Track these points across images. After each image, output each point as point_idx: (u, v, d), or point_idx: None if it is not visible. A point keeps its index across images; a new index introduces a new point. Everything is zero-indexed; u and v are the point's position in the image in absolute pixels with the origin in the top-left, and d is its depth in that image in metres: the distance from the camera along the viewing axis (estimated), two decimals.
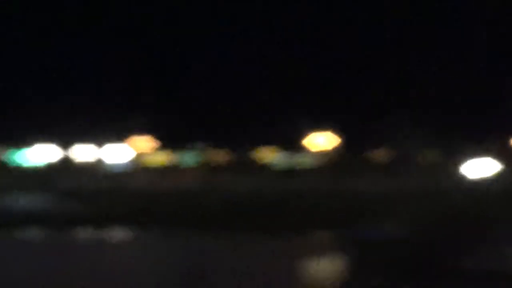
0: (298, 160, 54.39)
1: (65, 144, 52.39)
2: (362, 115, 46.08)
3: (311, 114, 47.72)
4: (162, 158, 55.26)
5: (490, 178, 37.63)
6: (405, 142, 44.68)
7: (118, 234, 13.07)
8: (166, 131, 52.56)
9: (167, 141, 54.18)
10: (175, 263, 10.16)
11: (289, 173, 51.74)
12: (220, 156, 57.01)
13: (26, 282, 8.99)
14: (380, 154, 49.97)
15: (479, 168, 38.04)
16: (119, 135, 51.65)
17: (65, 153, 52.34)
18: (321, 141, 52.77)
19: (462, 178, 37.44)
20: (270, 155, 55.64)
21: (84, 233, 13.25)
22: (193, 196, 33.52)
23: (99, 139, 51.58)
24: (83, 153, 52.77)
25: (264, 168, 52.96)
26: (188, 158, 56.18)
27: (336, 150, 51.90)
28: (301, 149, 53.78)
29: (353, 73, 46.50)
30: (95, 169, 50.73)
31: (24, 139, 51.35)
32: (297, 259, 10.65)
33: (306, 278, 10.44)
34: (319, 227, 17.84)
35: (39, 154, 51.59)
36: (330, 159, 51.41)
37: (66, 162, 51.84)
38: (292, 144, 54.04)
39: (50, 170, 49.86)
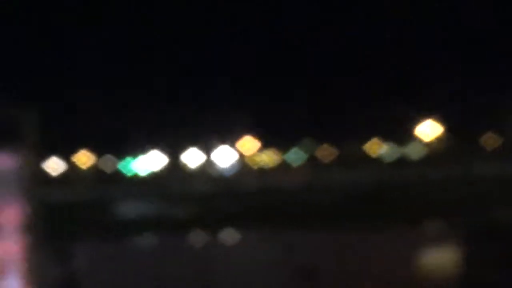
0: (407, 151, 53.79)
1: (175, 150, 53.34)
2: (468, 101, 45.12)
3: (416, 103, 46.91)
4: (269, 157, 55.48)
5: None
6: None
7: (230, 235, 13.11)
8: (271, 130, 52.74)
9: (273, 140, 54.38)
10: (287, 262, 10.10)
11: (400, 164, 51.19)
12: (327, 152, 56.77)
13: (141, 286, 9.12)
14: (489, 140, 48.85)
15: None
16: (226, 138, 52.14)
17: (175, 159, 53.29)
18: (429, 130, 51.87)
19: None
20: (378, 148, 55.20)
21: (198, 237, 13.35)
22: (303, 194, 33.52)
23: (207, 143, 52.25)
24: (193, 157, 53.55)
25: (374, 162, 52.57)
26: (295, 156, 56.24)
27: (444, 137, 51.01)
28: (409, 139, 53.11)
29: (455, 59, 45.49)
30: (204, 172, 51.41)
31: (136, 148, 52.52)
32: (411, 252, 10.42)
33: (422, 271, 10.24)
34: (433, 217, 17.47)
35: (151, 162, 52.70)
36: (439, 148, 50.58)
37: (176, 168, 52.76)
38: (400, 134, 53.40)
39: (162, 176, 50.91)
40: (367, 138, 55.52)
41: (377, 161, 53.88)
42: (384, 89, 51.06)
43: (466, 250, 11.10)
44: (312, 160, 56.04)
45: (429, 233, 11.99)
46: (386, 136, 54.92)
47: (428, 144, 52.44)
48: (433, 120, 50.31)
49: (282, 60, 52.49)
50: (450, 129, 51.63)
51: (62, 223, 15.79)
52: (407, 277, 9.87)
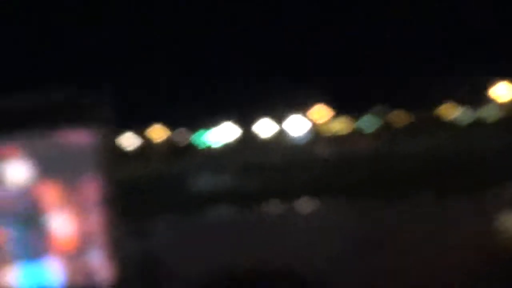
0: (483, 114, 52.72)
1: (247, 121, 53.42)
2: None
3: (490, 63, 45.91)
4: (341, 125, 55.11)
5: None
6: None
7: (305, 205, 13.09)
8: (343, 98, 52.40)
9: (345, 108, 53.97)
10: (362, 231, 10.02)
11: (475, 127, 50.20)
12: (400, 117, 56.06)
13: (220, 260, 9.14)
14: None
15: None
16: (298, 107, 51.97)
17: (248, 130, 53.38)
18: (504, 91, 50.71)
19: None
20: (452, 112, 54.31)
21: (273, 207, 13.36)
22: (376, 162, 33.24)
23: (279, 112, 52.15)
24: (265, 128, 53.56)
25: (448, 126, 51.69)
26: (368, 123, 55.71)
27: None
28: (484, 101, 52.10)
29: None
30: (277, 142, 51.36)
31: (208, 120, 52.77)
32: (487, 218, 10.22)
33: (497, 237, 10.03)
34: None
35: (223, 133, 52.91)
36: None
37: (249, 139, 52.84)
38: (474, 97, 52.42)
39: (235, 148, 51.04)
40: (440, 102, 54.66)
41: (451, 125, 52.94)
42: (457, 51, 50.18)
43: None
44: (385, 126, 55.42)
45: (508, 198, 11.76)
46: (460, 100, 53.99)
47: (503, 106, 51.31)
48: (508, 81, 49.08)
49: (353, 26, 52.09)
50: None
51: (139, 197, 15.94)
52: (488, 246, 9.67)
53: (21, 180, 7.90)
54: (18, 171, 7.94)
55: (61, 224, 7.76)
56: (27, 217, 7.91)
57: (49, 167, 7.91)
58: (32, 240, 7.92)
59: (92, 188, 7.78)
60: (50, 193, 7.92)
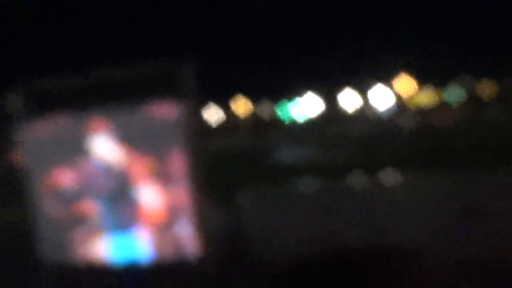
0: None
1: (331, 92, 53.19)
2: None
3: None
4: (427, 97, 54.34)
5: None
6: None
7: (390, 177, 13.00)
8: (428, 68, 51.58)
9: (431, 79, 53.15)
10: (448, 203, 9.91)
11: None
12: (487, 88, 55.01)
13: (305, 233, 9.18)
14: None
15: None
16: (382, 78, 51.49)
17: (332, 102, 53.20)
18: None
19: None
20: None
21: (358, 179, 13.32)
22: (463, 134, 32.77)
23: (363, 84, 51.76)
24: (349, 100, 53.26)
25: None
26: (454, 94, 54.77)
27: None
28: None
29: None
30: (362, 114, 51.06)
31: (292, 91, 52.75)
32: None
33: None
34: None
35: (307, 106, 52.85)
36: None
37: (333, 111, 52.67)
38: None
39: (319, 120, 50.97)
40: None
41: None
42: None
43: None
44: (472, 97, 54.44)
45: None
46: None
47: None
48: None
49: None
50: None
51: (223, 170, 16.11)
52: None
53: (110, 154, 8.09)
54: (108, 145, 8.13)
55: (150, 196, 7.91)
56: (116, 190, 8.10)
57: (137, 140, 8.08)
58: (121, 212, 8.10)
59: (179, 161, 7.88)
60: (138, 166, 8.08)
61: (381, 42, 49.81)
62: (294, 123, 51.62)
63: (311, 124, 50.42)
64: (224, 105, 52.69)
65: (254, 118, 54.48)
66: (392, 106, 52.70)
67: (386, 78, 52.28)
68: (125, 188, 7.79)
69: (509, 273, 7.75)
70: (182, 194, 7.61)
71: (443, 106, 53.24)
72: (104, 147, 7.83)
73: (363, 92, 53.01)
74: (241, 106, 54.26)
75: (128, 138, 7.70)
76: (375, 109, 52.12)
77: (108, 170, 7.86)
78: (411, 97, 54.69)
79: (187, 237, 7.68)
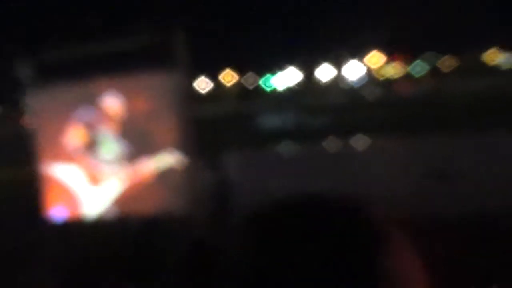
0: None
1: (309, 66, 53.39)
2: None
3: None
4: (394, 70, 54.93)
5: None
6: None
7: (361, 142, 12.98)
8: (396, 44, 52.05)
9: (398, 54, 53.69)
10: (415, 167, 9.89)
11: None
12: (448, 63, 55.72)
13: (284, 190, 9.10)
14: None
15: None
16: (355, 53, 51.72)
17: (310, 74, 53.37)
18: None
19: None
20: (496, 57, 53.54)
21: (331, 144, 13.29)
22: (426, 104, 32.88)
23: (338, 58, 51.96)
24: (324, 73, 53.41)
25: (493, 70, 51.15)
26: (418, 68, 55.48)
27: None
28: None
29: None
30: (336, 86, 51.31)
31: (274, 65, 52.90)
32: None
33: None
34: None
35: (287, 77, 53.01)
36: None
37: (311, 82, 52.91)
38: None
39: (298, 90, 51.21)
40: (486, 48, 54.09)
41: (494, 70, 52.62)
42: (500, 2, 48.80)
43: None
44: (434, 71, 55.51)
45: None
46: (504, 46, 53.29)
47: None
48: None
49: None
50: None
51: (212, 135, 16.08)
52: None
53: (115, 109, 8.01)
54: (113, 102, 8.08)
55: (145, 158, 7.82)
56: (115, 148, 8.01)
57: (135, 101, 8.00)
58: (117, 170, 8.02)
59: (168, 127, 7.81)
60: (134, 127, 8.00)
61: (354, 22, 49.90)
62: (276, 94, 51.76)
63: (291, 94, 50.62)
64: (213, 76, 52.62)
65: (240, 88, 54.67)
66: (363, 79, 53.09)
67: (358, 53, 52.52)
68: (125, 147, 7.75)
69: (469, 227, 7.80)
70: (175, 156, 7.58)
71: (408, 78, 54.15)
72: (109, 110, 7.78)
73: (337, 66, 53.22)
74: (228, 77, 54.29)
75: (128, 99, 7.67)
76: (348, 81, 52.40)
77: (108, 131, 7.81)
78: (380, 71, 55.20)
79: (179, 193, 7.64)
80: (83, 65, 7.96)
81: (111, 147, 7.84)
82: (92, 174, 7.97)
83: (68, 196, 8.08)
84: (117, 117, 7.77)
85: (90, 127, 7.93)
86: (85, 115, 7.91)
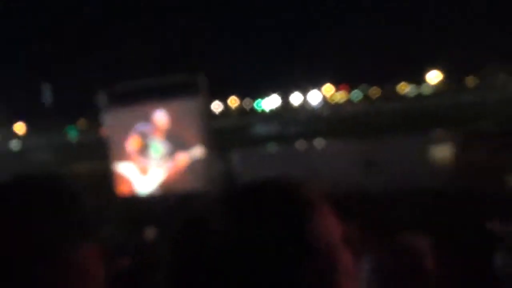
0: (422, 90, 52.48)
1: (287, 94, 53.62)
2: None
3: (428, 58, 44.22)
4: (340, 96, 55.24)
5: None
6: None
7: (320, 143, 12.95)
8: (343, 80, 52.59)
9: (342, 86, 54.23)
10: (355, 158, 9.87)
11: (418, 97, 50.16)
12: (375, 91, 56.46)
13: (269, 175, 9.04)
14: None
15: None
16: (315, 86, 51.97)
17: (287, 99, 53.44)
18: (434, 76, 49.18)
19: None
20: (405, 88, 54.41)
21: (301, 145, 13.25)
22: (362, 118, 32.91)
23: (305, 88, 52.16)
24: (296, 98, 53.49)
25: (402, 97, 51.93)
26: (356, 95, 56.00)
27: (442, 81, 48.59)
28: (423, 82, 51.48)
29: None
30: (303, 107, 51.31)
31: (261, 93, 53.07)
32: (428, 150, 9.84)
33: (437, 163, 9.64)
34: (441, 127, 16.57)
35: (271, 102, 52.99)
36: (440, 88, 48.57)
37: (287, 104, 52.98)
38: (418, 80, 51.91)
39: (278, 110, 51.11)
40: (399, 82, 55.15)
41: (405, 96, 53.46)
42: (408, 50, 48.63)
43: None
44: (366, 96, 56.56)
45: (437, 137, 11.31)
46: (409, 80, 54.46)
47: (434, 86, 51.12)
48: (438, 69, 47.78)
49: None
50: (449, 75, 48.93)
51: (223, 138, 16.12)
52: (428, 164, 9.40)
53: (162, 123, 7.92)
54: (160, 117, 8.02)
55: (182, 153, 7.75)
56: (162, 148, 7.92)
57: (175, 117, 7.95)
58: (163, 159, 7.92)
59: (194, 135, 7.76)
60: (176, 136, 7.93)
61: (315, 65, 49.96)
62: (264, 112, 51.78)
63: (274, 112, 50.66)
64: (223, 100, 52.55)
65: (240, 109, 54.86)
66: (321, 102, 53.39)
67: (317, 86, 52.89)
68: (170, 147, 7.74)
69: (388, 197, 7.78)
70: (200, 152, 7.56)
71: (349, 102, 54.69)
72: (159, 123, 7.77)
73: (304, 93, 53.39)
74: (233, 101, 54.32)
75: (169, 117, 7.66)
76: (311, 104, 52.58)
77: (160, 137, 7.80)
78: (331, 97, 55.55)
79: (201, 176, 7.63)
80: (141, 94, 7.96)
81: (157, 148, 7.84)
82: (142, 167, 7.96)
83: (127, 182, 8.09)
84: (163, 127, 7.77)
85: (144, 135, 7.91)
86: (141, 127, 7.90)
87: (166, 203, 7.50)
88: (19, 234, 0.61)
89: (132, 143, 7.95)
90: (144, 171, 7.89)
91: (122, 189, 8.09)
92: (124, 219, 7.46)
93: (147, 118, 7.73)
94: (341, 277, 0.54)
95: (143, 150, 7.89)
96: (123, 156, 7.94)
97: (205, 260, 0.47)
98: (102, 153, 8.57)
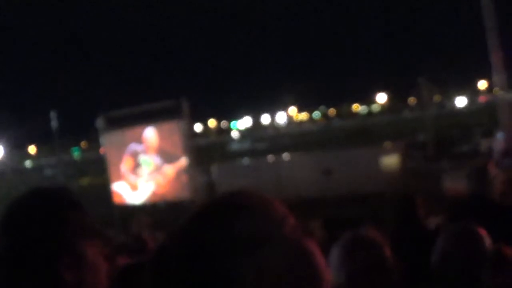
0: (372, 108, 53.30)
1: (257, 115, 53.74)
2: None
3: (377, 80, 45.29)
4: (303, 116, 55.87)
5: None
6: None
7: (287, 156, 12.97)
8: (305, 103, 53.27)
9: (305, 108, 54.87)
10: (315, 167, 9.89)
11: (368, 115, 50.79)
12: (332, 111, 57.38)
13: (243, 185, 8.97)
14: None
15: None
16: (282, 108, 52.33)
17: (258, 119, 53.61)
18: (380, 97, 50.19)
19: None
20: (358, 107, 55.45)
21: (271, 158, 13.25)
22: (322, 134, 33.08)
23: (272, 110, 52.39)
24: (264, 118, 53.70)
25: (356, 114, 52.73)
26: (317, 114, 56.75)
27: (387, 102, 49.84)
28: (373, 102, 52.25)
29: None
30: (272, 125, 51.56)
31: (236, 114, 53.15)
32: (379, 158, 9.85)
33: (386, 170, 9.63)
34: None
35: (244, 122, 53.13)
36: (391, 107, 49.60)
37: (258, 124, 53.05)
38: (368, 100, 52.71)
39: (253, 129, 51.23)
40: (352, 102, 56.19)
41: (358, 114, 54.35)
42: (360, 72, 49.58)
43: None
44: (325, 115, 57.62)
45: (385, 149, 11.37)
46: (361, 101, 55.46)
47: (382, 105, 52.16)
48: (383, 92, 48.84)
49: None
50: (392, 96, 50.18)
51: (203, 153, 16.04)
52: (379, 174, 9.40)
53: (151, 141, 7.77)
54: (150, 143, 7.88)
55: (168, 167, 7.62)
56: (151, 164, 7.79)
57: (162, 136, 7.84)
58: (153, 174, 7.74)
59: (182, 151, 7.69)
60: (163, 151, 7.82)
61: (282, 92, 50.42)
62: (239, 131, 51.84)
63: (247, 131, 50.70)
64: (203, 122, 52.49)
65: (218, 128, 54.83)
66: (287, 121, 53.75)
67: (283, 107, 53.33)
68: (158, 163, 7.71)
69: (339, 199, 7.81)
70: (183, 166, 7.54)
71: (311, 120, 55.24)
72: (149, 141, 7.74)
73: (272, 115, 53.72)
74: (212, 122, 54.29)
75: (158, 138, 7.63)
76: (278, 123, 52.88)
77: (150, 155, 7.76)
78: (296, 117, 56.06)
79: (184, 187, 7.60)
80: (133, 118, 7.92)
81: (147, 163, 7.78)
82: (133, 185, 7.94)
83: (120, 196, 8.06)
84: (153, 145, 7.73)
85: (135, 155, 7.85)
86: (134, 147, 7.85)
87: (155, 212, 7.43)
88: (42, 235, 0.65)
89: (125, 164, 7.91)
90: (134, 187, 7.88)
91: (117, 200, 8.04)
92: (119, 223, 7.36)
93: (139, 139, 7.72)
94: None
95: (134, 169, 7.85)
96: (118, 175, 7.91)
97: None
98: (101, 170, 8.42)
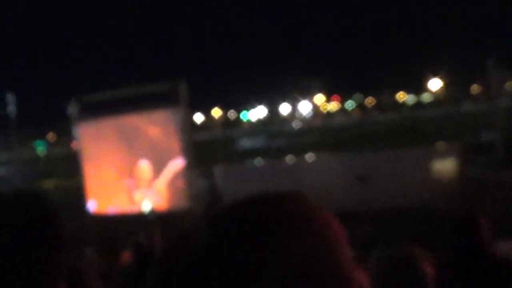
0: (421, 98, 53.28)
1: (274, 104, 53.97)
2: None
3: (428, 66, 44.95)
4: (333, 106, 55.86)
5: None
6: None
7: (310, 157, 13.02)
8: (334, 89, 53.15)
9: (335, 95, 54.98)
10: (345, 172, 9.95)
11: (416, 107, 50.89)
12: (370, 101, 57.34)
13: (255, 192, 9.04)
14: None
15: None
16: (306, 95, 52.41)
17: (275, 110, 53.75)
18: (435, 84, 49.91)
19: None
20: (403, 97, 55.28)
21: (290, 159, 13.29)
22: (356, 129, 33.14)
23: (294, 99, 52.57)
24: (285, 108, 53.84)
25: (399, 106, 52.83)
26: (349, 104, 56.71)
27: (444, 89, 49.56)
28: (423, 90, 52.17)
29: None
30: (292, 117, 51.61)
31: (248, 103, 53.30)
32: (425, 164, 9.91)
33: (434, 176, 9.74)
34: (439, 139, 16.85)
35: (258, 112, 53.28)
36: (442, 95, 49.42)
37: (275, 115, 53.26)
38: (417, 88, 52.69)
39: (266, 121, 51.40)
40: (396, 90, 55.95)
41: (404, 105, 54.18)
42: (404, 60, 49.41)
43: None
44: (361, 106, 57.59)
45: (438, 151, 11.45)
46: (408, 89, 55.25)
47: (435, 94, 51.70)
48: (437, 77, 48.42)
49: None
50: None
51: (205, 152, 16.11)
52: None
53: (137, 141, 7.83)
54: (135, 135, 7.93)
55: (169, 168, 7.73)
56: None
57: (154, 130, 7.91)
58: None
59: (176, 146, 7.76)
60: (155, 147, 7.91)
61: (305, 74, 50.47)
62: (251, 123, 52.09)
63: (261, 124, 50.84)
64: (206, 112, 52.68)
65: (225, 120, 55.06)
66: (311, 112, 53.76)
67: (307, 95, 53.26)
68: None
69: (375, 209, 7.89)
70: (178, 166, 7.57)
71: (343, 112, 55.31)
72: (133, 136, 7.78)
73: (293, 104, 53.67)
74: (216, 112, 54.51)
75: (147, 132, 7.68)
76: (301, 115, 52.82)
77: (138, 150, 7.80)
78: (324, 107, 56.00)
79: (180, 195, 7.63)
80: (115, 104, 7.92)
81: (145, 170, 7.84)
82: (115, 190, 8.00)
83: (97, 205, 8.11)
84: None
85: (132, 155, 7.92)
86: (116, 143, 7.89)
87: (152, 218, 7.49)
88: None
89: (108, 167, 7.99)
90: (130, 193, 7.92)
91: (92, 209, 8.09)
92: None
93: (123, 132, 7.72)
94: None
95: (132, 171, 7.90)
96: (95, 176, 7.95)
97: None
98: (72, 170, 8.48)
